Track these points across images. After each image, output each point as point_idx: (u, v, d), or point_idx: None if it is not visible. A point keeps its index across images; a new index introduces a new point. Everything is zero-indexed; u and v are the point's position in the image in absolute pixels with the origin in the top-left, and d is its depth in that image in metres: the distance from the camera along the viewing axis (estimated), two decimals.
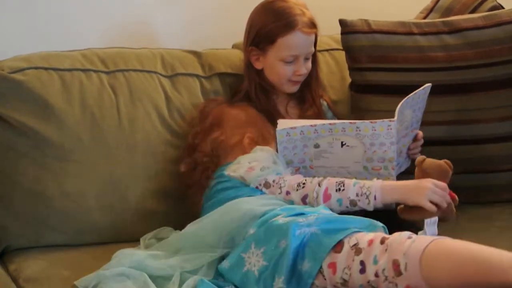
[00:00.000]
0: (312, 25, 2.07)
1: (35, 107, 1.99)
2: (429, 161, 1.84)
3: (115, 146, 2.04)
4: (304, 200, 1.84)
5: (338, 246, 1.62)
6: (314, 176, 1.88)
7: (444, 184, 1.82)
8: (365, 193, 1.80)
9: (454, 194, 1.83)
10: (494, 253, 1.47)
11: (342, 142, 1.85)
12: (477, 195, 2.19)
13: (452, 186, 2.15)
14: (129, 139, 2.06)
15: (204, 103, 2.13)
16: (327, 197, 1.82)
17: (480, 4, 2.42)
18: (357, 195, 1.81)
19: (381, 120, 1.83)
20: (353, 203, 1.81)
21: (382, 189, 1.80)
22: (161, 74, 2.17)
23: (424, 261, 1.49)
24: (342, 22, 2.20)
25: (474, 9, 2.42)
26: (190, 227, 1.85)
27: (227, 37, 2.38)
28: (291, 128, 1.87)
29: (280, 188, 1.86)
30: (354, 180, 1.83)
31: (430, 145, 2.07)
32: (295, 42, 2.06)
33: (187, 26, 2.50)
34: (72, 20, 2.34)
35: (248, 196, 1.85)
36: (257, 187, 1.88)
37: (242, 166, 1.91)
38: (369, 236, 1.61)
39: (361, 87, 2.20)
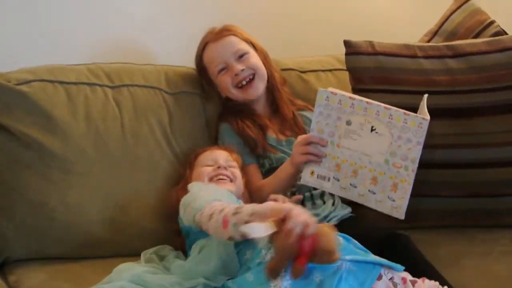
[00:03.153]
0: (222, 31, 2.18)
1: (40, 119, 2.00)
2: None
3: (118, 160, 2.05)
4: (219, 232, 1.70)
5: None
6: (335, 157, 1.89)
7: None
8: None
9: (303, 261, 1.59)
10: None
11: (372, 127, 1.85)
12: (478, 219, 2.19)
13: (454, 210, 2.17)
14: (132, 154, 2.07)
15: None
16: (225, 224, 1.66)
17: (484, 29, 2.44)
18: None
19: (415, 114, 1.83)
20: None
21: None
22: (165, 91, 2.19)
23: None
24: (346, 43, 2.22)
25: (477, 34, 2.44)
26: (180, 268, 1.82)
27: None
28: (332, 92, 1.88)
29: (202, 224, 1.74)
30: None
31: (431, 168, 2.08)
32: (211, 53, 2.18)
33: (188, 43, 2.51)
34: (74, 34, 2.36)
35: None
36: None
37: (182, 213, 1.87)
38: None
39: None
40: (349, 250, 1.70)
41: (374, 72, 2.17)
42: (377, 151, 1.86)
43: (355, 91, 2.23)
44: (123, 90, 2.14)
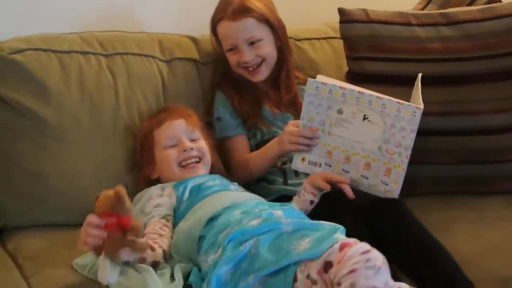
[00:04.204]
0: (241, 11, 2.08)
1: (34, 88, 2.00)
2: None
3: (112, 128, 2.06)
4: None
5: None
6: (326, 144, 1.89)
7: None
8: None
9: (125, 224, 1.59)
10: None
11: (364, 116, 1.85)
12: (469, 185, 2.21)
13: (446, 176, 2.19)
14: (126, 122, 2.08)
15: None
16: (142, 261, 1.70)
17: None
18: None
19: (408, 103, 1.83)
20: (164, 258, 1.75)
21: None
22: (158, 59, 2.19)
23: None
24: (341, 11, 2.22)
25: (471, 2, 2.44)
26: None
27: None
28: (322, 83, 1.87)
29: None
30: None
31: (424, 135, 2.07)
32: (225, 31, 2.11)
33: (184, 12, 2.50)
34: (67, 2, 2.33)
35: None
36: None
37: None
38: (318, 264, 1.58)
39: (358, 76, 2.22)
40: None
41: (368, 40, 2.17)
42: (370, 139, 1.87)
43: (350, 59, 2.24)
44: (116, 58, 2.13)
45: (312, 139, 1.90)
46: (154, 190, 1.91)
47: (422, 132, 1.98)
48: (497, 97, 2.18)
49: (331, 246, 1.56)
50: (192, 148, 1.97)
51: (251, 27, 2.08)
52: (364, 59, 2.19)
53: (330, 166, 1.91)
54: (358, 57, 2.20)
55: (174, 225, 1.86)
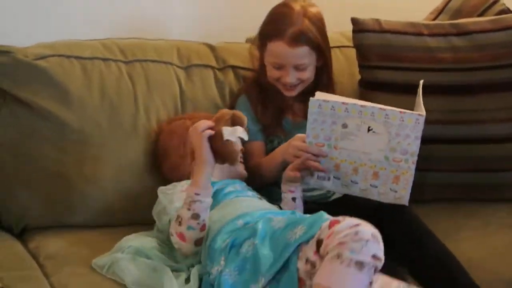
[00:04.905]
0: (299, 39, 2.04)
1: (57, 93, 2.06)
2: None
3: (132, 133, 2.11)
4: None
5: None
6: (334, 158, 1.90)
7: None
8: (188, 200, 1.76)
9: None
10: None
11: (369, 127, 1.87)
12: (477, 193, 2.25)
13: (454, 184, 2.22)
14: (146, 127, 2.13)
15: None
16: (182, 237, 1.78)
17: (489, 7, 2.47)
18: (188, 209, 1.77)
19: (411, 112, 1.86)
20: (194, 217, 1.77)
21: (195, 185, 1.78)
22: (176, 65, 2.23)
23: None
24: (354, 21, 2.26)
25: (483, 12, 2.46)
26: None
27: (240, 32, 2.43)
28: (324, 100, 1.88)
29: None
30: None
31: (431, 143, 2.12)
32: (278, 51, 2.07)
33: (201, 20, 2.56)
34: (89, 10, 2.41)
35: None
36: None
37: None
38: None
39: (370, 84, 2.26)
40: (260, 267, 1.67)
41: (380, 50, 2.21)
42: (376, 149, 1.88)
43: (362, 67, 2.27)
44: (136, 65, 2.18)
45: (318, 156, 1.92)
46: (185, 184, 1.92)
47: (429, 140, 2.01)
48: (504, 107, 2.21)
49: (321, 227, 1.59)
50: None
51: (303, 55, 2.07)
52: (375, 68, 2.23)
53: (339, 179, 1.93)
54: (370, 66, 2.23)
55: None
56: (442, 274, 1.83)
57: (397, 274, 1.75)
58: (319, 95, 1.92)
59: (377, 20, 2.25)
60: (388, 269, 1.68)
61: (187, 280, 1.77)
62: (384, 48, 2.23)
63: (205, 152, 1.76)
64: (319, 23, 2.09)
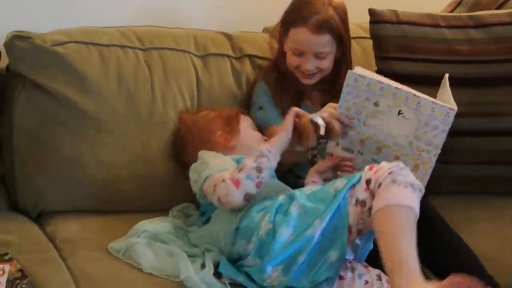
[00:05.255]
0: (323, 27, 2.07)
1: (75, 79, 2.07)
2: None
3: (148, 121, 2.12)
4: (220, 202, 1.82)
5: None
6: (361, 133, 1.93)
7: None
8: (260, 153, 1.82)
9: None
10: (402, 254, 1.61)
11: (399, 111, 1.88)
12: (493, 186, 2.26)
13: (471, 176, 2.22)
14: (162, 115, 2.14)
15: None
16: (236, 183, 1.79)
17: (507, 0, 2.47)
18: (256, 158, 1.81)
19: (443, 104, 1.86)
20: (257, 169, 1.81)
21: (270, 143, 1.87)
22: (193, 54, 2.24)
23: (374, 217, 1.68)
24: (371, 12, 2.26)
25: (501, 5, 2.46)
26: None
27: (257, 21, 2.45)
28: (360, 75, 1.90)
29: (208, 195, 1.86)
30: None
31: (450, 136, 2.10)
32: (300, 37, 2.09)
33: (218, 9, 2.56)
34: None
35: None
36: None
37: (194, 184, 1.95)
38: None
39: (386, 75, 2.21)
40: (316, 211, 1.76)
41: (397, 41, 2.22)
42: (402, 134, 1.90)
43: (378, 58, 2.27)
44: (153, 52, 2.19)
45: (346, 126, 1.93)
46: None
47: (448, 133, 2.00)
48: None
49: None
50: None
51: (325, 43, 2.10)
52: (392, 59, 2.23)
53: (362, 154, 1.95)
54: (387, 57, 2.24)
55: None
56: (457, 266, 1.83)
57: None
58: (358, 69, 1.94)
59: (395, 11, 2.25)
60: None
61: (203, 266, 1.79)
62: (401, 39, 2.23)
63: (288, 123, 1.86)
64: (342, 13, 2.12)
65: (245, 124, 2.12)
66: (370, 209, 1.69)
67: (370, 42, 2.31)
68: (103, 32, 2.18)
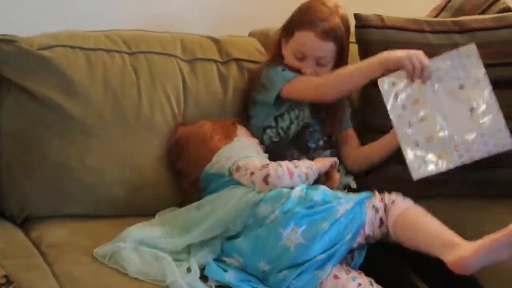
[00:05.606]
0: (329, 34, 2.12)
1: (61, 83, 2.07)
2: None
3: (135, 125, 2.12)
4: (265, 179, 1.91)
5: None
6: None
7: None
8: (310, 166, 1.98)
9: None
10: (442, 233, 1.81)
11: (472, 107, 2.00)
12: (483, 189, 2.27)
13: (457, 180, 2.24)
14: (148, 119, 2.14)
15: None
16: (291, 174, 1.93)
17: (490, 5, 2.49)
18: (306, 168, 1.97)
19: (510, 135, 1.98)
20: (306, 176, 1.96)
21: (315, 162, 2.03)
22: (180, 58, 2.24)
23: (395, 225, 1.85)
24: (357, 16, 2.27)
25: (484, 10, 2.49)
26: (193, 213, 1.95)
27: (244, 25, 2.47)
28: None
29: (246, 170, 1.95)
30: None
31: None
32: (305, 41, 2.13)
33: (205, 12, 2.57)
34: (92, 2, 2.43)
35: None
36: (230, 173, 1.97)
37: (221, 160, 2.00)
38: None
39: (371, 80, 2.27)
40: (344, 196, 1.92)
41: (382, 46, 2.19)
42: (456, 123, 1.99)
43: None
44: (140, 56, 2.19)
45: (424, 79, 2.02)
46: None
47: None
48: (505, 104, 2.19)
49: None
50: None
51: (328, 50, 2.14)
52: None
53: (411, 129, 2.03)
54: None
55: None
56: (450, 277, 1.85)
57: (407, 277, 1.84)
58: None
59: (380, 16, 2.27)
60: (398, 272, 1.83)
61: (189, 269, 1.79)
62: (386, 44, 2.22)
63: (327, 163, 2.06)
64: (347, 24, 2.18)
65: (242, 132, 2.14)
66: (381, 220, 1.85)
67: (355, 47, 2.32)
68: (89, 36, 2.18)
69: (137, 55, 2.19)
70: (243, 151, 2.01)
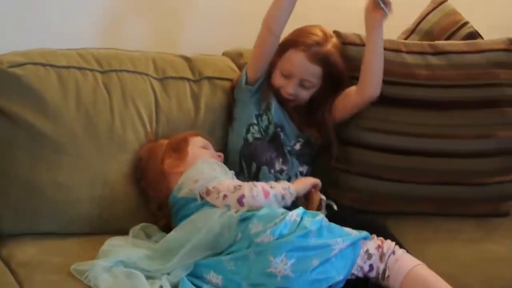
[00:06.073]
0: (320, 59, 2.16)
1: (32, 102, 2.04)
2: None
3: (107, 143, 2.11)
4: (240, 200, 1.92)
5: None
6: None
7: None
8: (287, 187, 1.99)
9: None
10: None
11: None
12: (447, 207, 2.31)
13: (424, 197, 2.28)
14: (121, 137, 2.13)
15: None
16: (266, 193, 1.94)
17: (458, 29, 2.54)
18: (283, 189, 1.98)
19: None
20: (282, 196, 1.97)
21: (295, 183, 2.06)
22: (152, 77, 2.24)
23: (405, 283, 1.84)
24: (336, 34, 2.30)
25: (452, 34, 2.54)
26: (173, 235, 1.93)
27: (218, 45, 2.47)
28: None
29: (218, 193, 1.94)
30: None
31: (405, 155, 2.21)
32: (295, 60, 2.18)
33: (177, 32, 2.57)
34: (64, 19, 2.41)
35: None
36: (200, 196, 1.96)
37: (188, 183, 2.00)
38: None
39: None
40: (340, 233, 1.89)
41: (359, 62, 2.23)
42: None
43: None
44: (112, 75, 2.18)
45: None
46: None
47: (404, 152, 2.13)
48: (475, 124, 2.28)
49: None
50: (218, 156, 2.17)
51: (315, 74, 2.19)
52: (356, 79, 2.24)
53: None
54: (351, 77, 2.26)
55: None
56: None
57: None
58: None
59: (358, 35, 2.30)
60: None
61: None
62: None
63: (307, 183, 2.08)
64: (339, 55, 2.22)
65: (195, 145, 2.13)
66: (371, 266, 1.85)
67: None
68: (61, 54, 2.17)
69: (109, 74, 2.19)
70: (210, 172, 2.00)
